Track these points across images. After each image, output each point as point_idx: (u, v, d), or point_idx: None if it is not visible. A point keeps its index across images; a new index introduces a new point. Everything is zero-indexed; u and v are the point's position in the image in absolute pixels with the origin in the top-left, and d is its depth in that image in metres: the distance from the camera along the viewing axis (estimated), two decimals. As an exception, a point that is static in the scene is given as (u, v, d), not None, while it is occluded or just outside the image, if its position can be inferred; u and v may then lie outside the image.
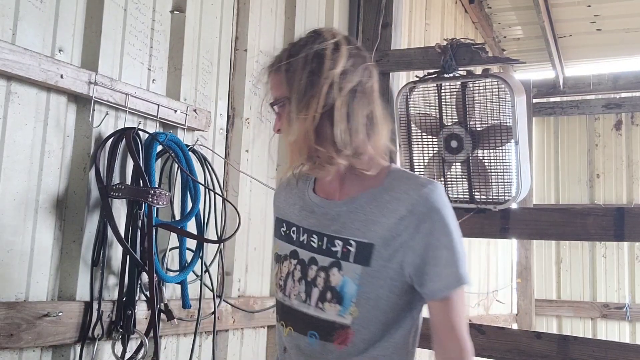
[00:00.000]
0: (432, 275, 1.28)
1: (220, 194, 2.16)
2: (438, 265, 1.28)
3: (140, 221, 1.82)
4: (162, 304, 1.94)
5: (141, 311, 1.89)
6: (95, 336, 1.75)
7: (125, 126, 1.87)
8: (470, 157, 2.82)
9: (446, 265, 1.28)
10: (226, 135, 2.40)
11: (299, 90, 1.30)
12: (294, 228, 1.43)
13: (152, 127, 2.00)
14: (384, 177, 1.36)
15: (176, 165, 2.02)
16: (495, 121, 2.74)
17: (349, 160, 1.33)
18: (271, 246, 2.42)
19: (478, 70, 2.89)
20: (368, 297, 1.29)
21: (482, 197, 2.84)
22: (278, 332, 1.45)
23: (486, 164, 2.80)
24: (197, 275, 2.11)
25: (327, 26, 1.39)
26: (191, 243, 2.07)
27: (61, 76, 1.67)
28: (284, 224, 1.47)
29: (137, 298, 1.84)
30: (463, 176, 2.86)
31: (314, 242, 1.37)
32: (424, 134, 2.93)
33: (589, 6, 4.84)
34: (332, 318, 1.31)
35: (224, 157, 2.36)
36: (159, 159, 2.00)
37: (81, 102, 1.79)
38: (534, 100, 5.51)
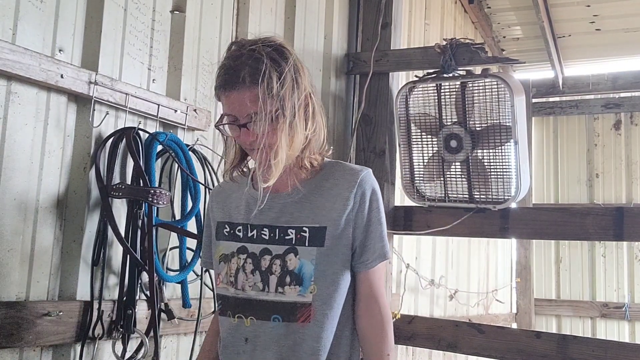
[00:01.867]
0: (369, 247, 1.45)
1: (220, 193, 2.16)
2: (374, 239, 1.45)
3: (141, 221, 1.82)
4: (162, 304, 1.94)
5: (141, 311, 1.89)
6: (96, 336, 1.76)
7: (126, 126, 1.87)
8: (470, 157, 2.82)
9: (379, 239, 1.46)
10: (226, 135, 2.40)
11: (296, 105, 1.36)
12: (240, 227, 1.48)
13: (152, 127, 2.00)
14: (321, 168, 1.48)
15: (176, 165, 2.03)
16: (495, 121, 2.74)
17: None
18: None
19: (477, 70, 2.89)
20: (325, 274, 1.40)
21: (482, 196, 2.84)
22: (231, 326, 1.44)
23: (486, 164, 2.80)
24: (197, 275, 2.11)
25: (269, 34, 1.42)
26: (191, 242, 2.07)
27: (61, 76, 1.67)
28: (227, 225, 1.50)
29: (137, 297, 1.84)
30: (462, 176, 2.87)
31: (265, 235, 1.43)
32: (423, 133, 2.93)
33: (589, 6, 4.84)
34: (294, 299, 1.38)
35: (224, 156, 2.36)
36: (159, 159, 2.00)
37: (81, 101, 1.79)
38: (533, 100, 5.50)
